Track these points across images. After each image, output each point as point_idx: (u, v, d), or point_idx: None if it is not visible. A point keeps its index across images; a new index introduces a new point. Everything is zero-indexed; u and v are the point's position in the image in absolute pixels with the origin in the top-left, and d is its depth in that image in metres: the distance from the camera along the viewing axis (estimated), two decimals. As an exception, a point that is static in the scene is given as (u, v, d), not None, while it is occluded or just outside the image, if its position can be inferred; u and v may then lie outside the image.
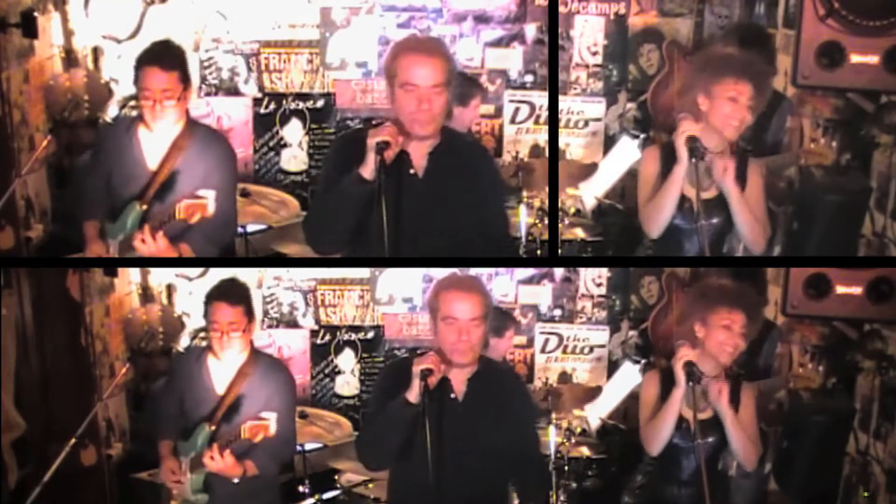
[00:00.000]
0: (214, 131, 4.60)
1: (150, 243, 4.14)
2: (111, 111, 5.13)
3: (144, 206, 4.22)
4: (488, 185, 4.05)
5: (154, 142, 4.24)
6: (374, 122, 4.23)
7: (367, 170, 3.72)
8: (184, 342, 5.47)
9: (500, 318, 5.26)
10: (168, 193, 4.23)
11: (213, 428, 4.41)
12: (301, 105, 5.38)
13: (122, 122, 4.45)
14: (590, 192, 5.28)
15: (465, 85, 5.06)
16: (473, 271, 5.47)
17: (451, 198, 3.91)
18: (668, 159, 4.22)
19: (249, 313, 4.47)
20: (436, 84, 3.78)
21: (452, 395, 3.93)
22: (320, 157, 5.42)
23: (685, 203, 4.27)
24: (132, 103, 4.36)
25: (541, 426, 5.11)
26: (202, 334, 5.39)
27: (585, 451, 5.28)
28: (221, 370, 4.46)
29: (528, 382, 5.63)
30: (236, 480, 4.39)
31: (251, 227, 5.10)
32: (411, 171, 3.85)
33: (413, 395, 3.80)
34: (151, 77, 4.15)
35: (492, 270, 5.53)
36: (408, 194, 3.83)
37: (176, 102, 4.18)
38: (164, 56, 4.21)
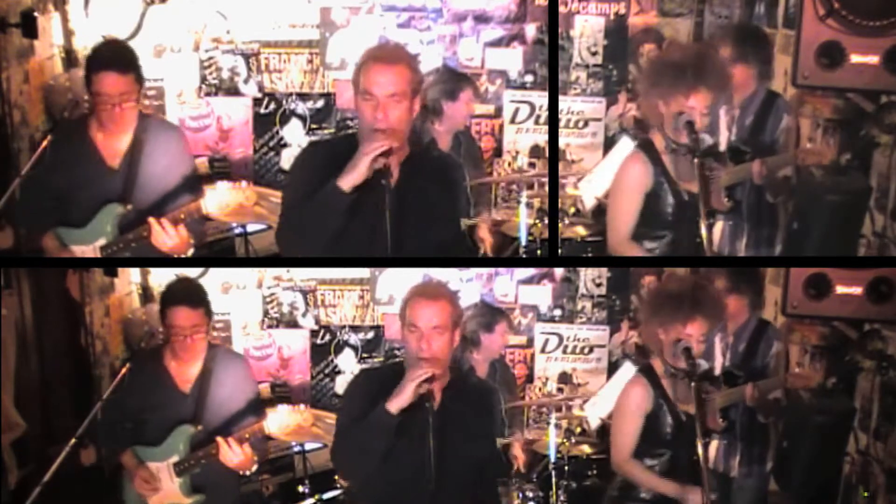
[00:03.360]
0: (162, 119, 4.64)
1: (172, 233, 4.15)
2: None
3: (129, 207, 4.23)
4: (452, 200, 4.05)
5: (112, 143, 4.24)
6: (349, 131, 4.24)
7: (347, 181, 3.71)
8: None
9: (488, 314, 5.27)
10: (146, 190, 4.23)
11: (200, 428, 4.42)
12: (301, 105, 5.38)
13: (70, 127, 4.42)
14: (590, 192, 5.28)
15: (451, 80, 5.06)
16: (472, 272, 5.50)
17: (420, 211, 3.90)
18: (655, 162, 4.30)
19: (208, 314, 4.49)
20: (394, 93, 3.75)
21: (427, 405, 3.91)
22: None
23: (681, 197, 4.31)
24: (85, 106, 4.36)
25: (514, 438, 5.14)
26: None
27: (586, 450, 5.28)
28: (184, 371, 4.47)
29: (528, 381, 5.63)
30: (249, 472, 4.41)
31: (251, 227, 5.10)
32: (382, 182, 3.82)
33: (395, 406, 3.80)
34: (108, 82, 4.12)
35: (491, 270, 5.53)
36: (382, 204, 3.80)
37: (134, 105, 4.18)
38: (119, 59, 4.19)
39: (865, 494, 5.06)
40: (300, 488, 5.04)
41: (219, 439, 4.35)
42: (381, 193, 3.74)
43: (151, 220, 4.19)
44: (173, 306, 4.42)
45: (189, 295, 4.47)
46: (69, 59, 5.06)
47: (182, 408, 4.44)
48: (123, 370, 4.34)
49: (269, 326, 5.58)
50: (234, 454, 4.34)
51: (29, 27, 4.71)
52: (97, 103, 4.16)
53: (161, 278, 5.44)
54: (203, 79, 5.26)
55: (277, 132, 5.38)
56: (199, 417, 4.43)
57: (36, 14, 4.74)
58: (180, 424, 4.44)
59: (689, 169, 4.27)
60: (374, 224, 3.74)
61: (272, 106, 5.36)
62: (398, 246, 3.83)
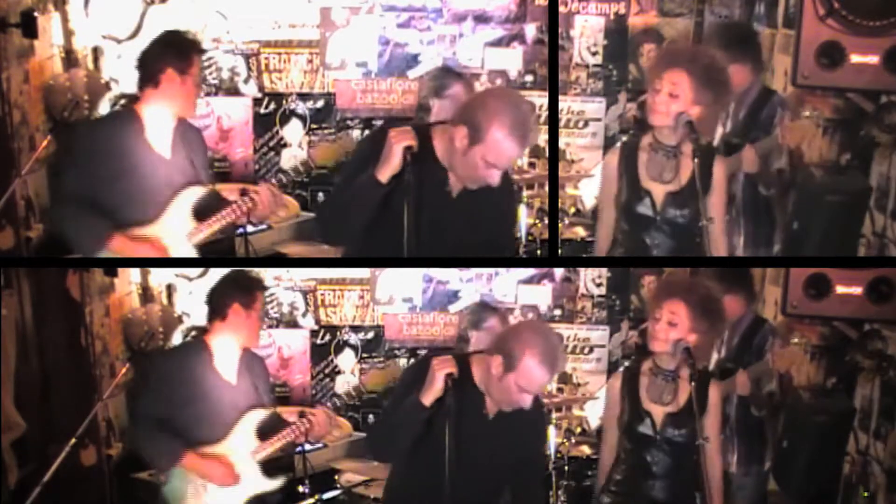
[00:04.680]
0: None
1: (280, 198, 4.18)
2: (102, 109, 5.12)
3: (210, 187, 4.17)
4: (508, 197, 4.07)
5: (160, 130, 4.17)
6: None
7: (384, 173, 3.71)
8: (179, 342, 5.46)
9: (479, 312, 5.28)
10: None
11: (271, 411, 4.36)
12: (301, 105, 5.38)
13: (117, 118, 4.39)
14: (590, 192, 5.28)
15: (441, 77, 5.04)
16: (472, 272, 5.51)
17: (481, 212, 3.90)
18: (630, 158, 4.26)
19: None
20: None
21: (485, 412, 3.89)
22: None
23: (646, 197, 4.28)
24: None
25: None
26: (193, 333, 5.39)
27: (586, 450, 5.28)
28: (224, 361, 4.40)
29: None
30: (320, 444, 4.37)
31: (251, 227, 5.09)
32: (447, 189, 3.83)
33: (428, 398, 3.78)
34: (199, 62, 4.12)
35: (492, 271, 5.53)
36: (442, 209, 3.81)
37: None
38: (198, 43, 4.19)
39: (865, 494, 5.06)
40: (300, 488, 5.03)
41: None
42: (430, 198, 3.76)
43: (262, 186, 4.11)
44: (254, 291, 4.35)
45: (257, 282, 4.47)
46: (69, 59, 5.07)
47: (236, 398, 4.36)
48: (123, 370, 4.29)
49: (269, 326, 5.58)
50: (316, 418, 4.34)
51: (29, 27, 4.71)
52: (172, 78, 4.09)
53: (161, 278, 5.46)
54: (203, 79, 5.26)
55: (277, 132, 5.39)
56: (261, 402, 4.36)
57: (36, 14, 4.73)
58: (246, 412, 4.35)
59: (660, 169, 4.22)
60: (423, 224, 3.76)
61: (272, 106, 5.36)
62: (458, 248, 3.87)
